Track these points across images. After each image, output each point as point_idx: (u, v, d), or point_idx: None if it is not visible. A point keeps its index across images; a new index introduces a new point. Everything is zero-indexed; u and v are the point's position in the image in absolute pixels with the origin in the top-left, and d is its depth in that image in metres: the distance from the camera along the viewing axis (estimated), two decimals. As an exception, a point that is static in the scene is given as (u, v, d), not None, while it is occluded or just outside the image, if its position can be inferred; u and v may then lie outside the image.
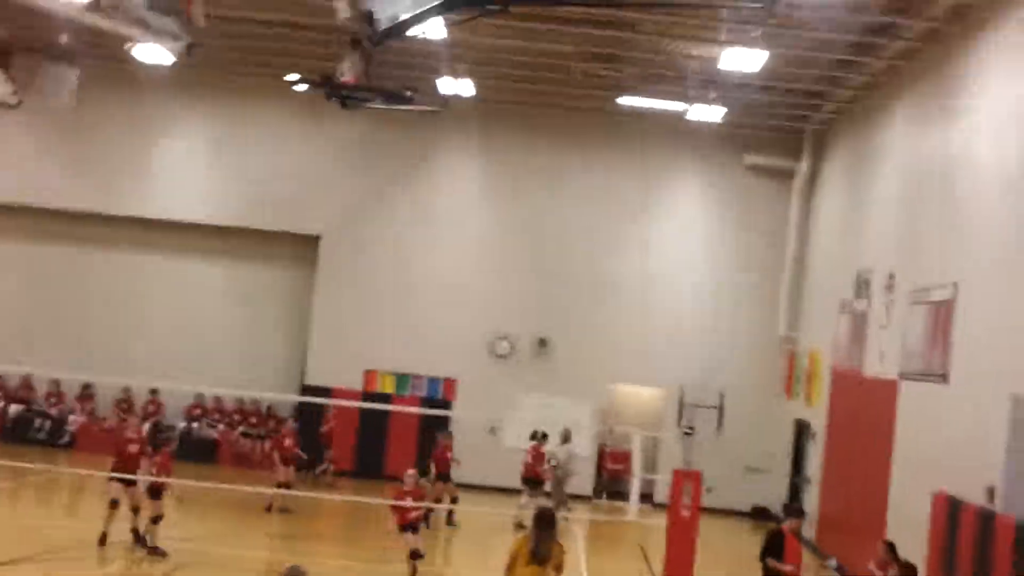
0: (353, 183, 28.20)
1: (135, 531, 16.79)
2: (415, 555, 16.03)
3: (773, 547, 13.43)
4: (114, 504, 16.53)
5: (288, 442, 21.93)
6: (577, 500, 25.10)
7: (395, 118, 26.79)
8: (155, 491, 16.73)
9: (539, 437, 23.36)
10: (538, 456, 22.99)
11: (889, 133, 21.42)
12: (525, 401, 27.28)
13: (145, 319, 28.63)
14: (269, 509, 21.37)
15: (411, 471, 16.65)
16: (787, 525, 13.55)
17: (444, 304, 27.80)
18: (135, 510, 16.71)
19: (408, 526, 16.07)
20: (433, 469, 21.50)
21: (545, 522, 11.58)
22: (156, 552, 16.48)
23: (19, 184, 28.01)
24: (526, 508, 22.12)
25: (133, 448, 16.88)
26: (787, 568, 13.24)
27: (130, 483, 16.64)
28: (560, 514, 22.59)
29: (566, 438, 23.93)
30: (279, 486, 21.43)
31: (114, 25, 20.41)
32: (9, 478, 22.63)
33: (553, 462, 23.54)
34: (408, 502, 16.09)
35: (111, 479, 16.72)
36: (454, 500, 21.77)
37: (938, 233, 17.64)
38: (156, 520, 16.68)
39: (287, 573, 8.33)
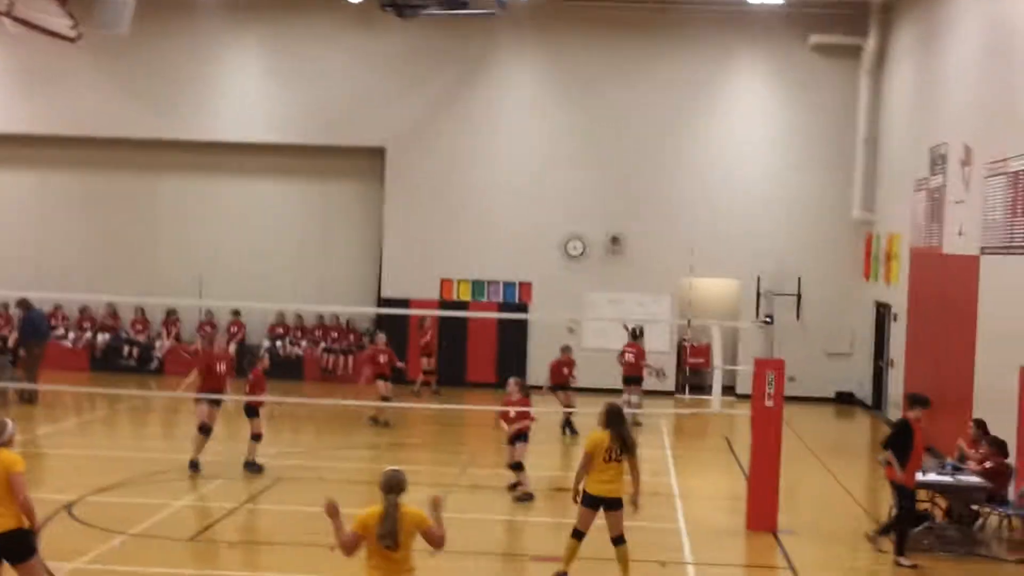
0: (413, 92, 28.11)
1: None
2: (516, 466, 15.87)
3: (899, 438, 13.34)
4: (203, 428, 16.69)
5: (382, 358, 22.00)
6: (660, 395, 25.23)
7: (451, 24, 26.71)
8: (251, 409, 17.07)
9: (638, 334, 23.19)
10: (640, 353, 22.89)
11: (959, 4, 20.83)
12: (597, 299, 27.41)
13: (217, 242, 29.01)
14: (375, 421, 21.62)
15: (513, 379, 16.12)
16: (912, 414, 13.45)
17: (514, 208, 27.82)
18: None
19: (514, 437, 15.81)
20: (549, 380, 21.40)
21: (618, 417, 11.73)
22: (253, 468, 16.90)
23: (83, 115, 28.44)
24: (635, 406, 22.46)
25: (221, 367, 16.97)
26: (899, 474, 13.16)
27: (218, 403, 16.89)
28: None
29: (637, 333, 23.50)
30: (384, 400, 21.63)
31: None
32: (103, 405, 23.33)
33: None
34: (512, 411, 15.68)
35: (198, 400, 16.82)
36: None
37: (1015, 100, 17.20)
38: (255, 438, 17.06)
39: (386, 476, 8.41)
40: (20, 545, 9.34)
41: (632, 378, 22.69)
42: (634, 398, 22.53)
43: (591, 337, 26.26)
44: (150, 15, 26.24)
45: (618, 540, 11.74)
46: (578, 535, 11.79)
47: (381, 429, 21.34)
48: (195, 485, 16.17)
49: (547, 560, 12.47)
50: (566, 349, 21.83)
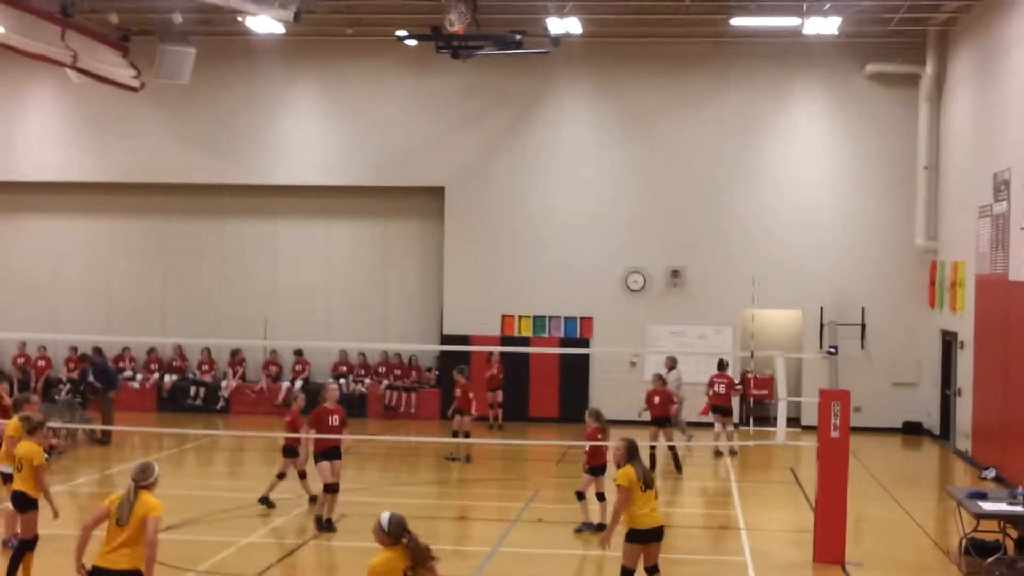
0: (471, 132, 28.35)
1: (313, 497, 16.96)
2: (579, 496, 15.90)
3: None
4: (329, 488, 15.83)
5: (458, 393, 21.90)
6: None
7: (506, 63, 26.97)
8: (290, 450, 17.10)
9: (724, 366, 23.42)
10: (729, 383, 22.97)
11: (1018, 26, 20.65)
12: (658, 332, 27.40)
13: (281, 283, 29.40)
14: (453, 458, 21.72)
15: (588, 410, 16.19)
16: None
17: (574, 244, 27.87)
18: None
19: (590, 469, 15.89)
20: (649, 414, 20.78)
21: (636, 451, 11.70)
22: (264, 503, 17.01)
23: (146, 163, 29.07)
24: (721, 437, 22.77)
25: (334, 420, 15.94)
26: None
27: (337, 457, 15.93)
28: (686, 440, 22.90)
29: (673, 365, 23.14)
30: (455, 435, 21.73)
31: (225, 0, 20.90)
32: (171, 445, 23.61)
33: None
34: (590, 443, 15.78)
35: (319, 462, 15.78)
36: (672, 448, 20.74)
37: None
38: (282, 477, 17.15)
39: (399, 519, 8.26)
40: None
41: (722, 408, 23.01)
42: (728, 427, 22.99)
43: (653, 370, 26.09)
44: (210, 64, 26.84)
45: (654, 569, 11.63)
46: (628, 574, 11.56)
47: (459, 464, 21.36)
48: (261, 523, 16.29)
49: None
50: (658, 379, 21.00)
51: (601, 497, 15.79)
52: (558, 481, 20.46)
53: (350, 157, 28.80)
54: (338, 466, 15.89)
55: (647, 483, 11.45)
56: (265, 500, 17.08)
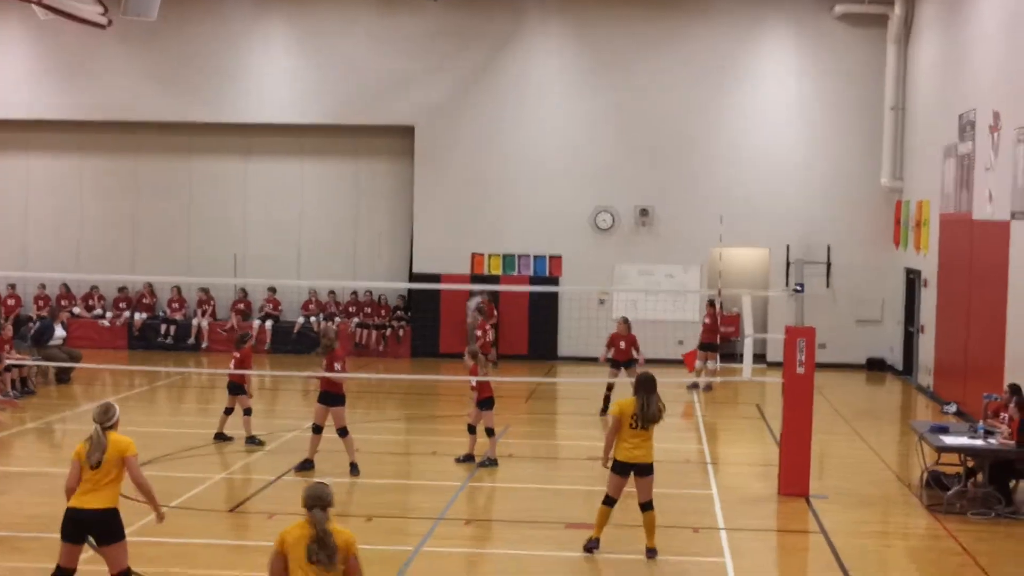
0: (441, 71, 28.24)
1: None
2: (470, 429, 16.35)
3: None
4: (316, 428, 15.80)
5: (479, 332, 22.37)
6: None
7: (477, 3, 27.04)
8: (236, 387, 17.39)
9: (716, 302, 23.88)
10: (725, 319, 23.86)
11: (987, -33, 20.75)
12: (627, 271, 27.63)
13: (251, 222, 29.36)
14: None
15: (468, 349, 16.85)
16: None
17: (543, 183, 27.95)
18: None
19: (479, 403, 16.17)
20: (612, 355, 20.22)
21: (647, 385, 11.80)
22: (252, 442, 17.26)
23: (115, 101, 28.85)
24: (713, 373, 23.22)
25: (340, 367, 15.62)
26: None
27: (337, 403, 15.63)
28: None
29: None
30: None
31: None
32: (142, 382, 23.67)
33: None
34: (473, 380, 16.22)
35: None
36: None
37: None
38: (246, 412, 17.35)
39: (309, 491, 7.77)
40: (111, 526, 9.32)
41: (709, 345, 23.71)
42: (709, 364, 23.55)
43: (621, 310, 26.30)
44: (177, 0, 26.53)
45: (646, 506, 11.87)
46: (609, 502, 11.92)
47: (429, 400, 21.64)
48: (233, 459, 16.45)
49: (581, 527, 12.65)
50: (620, 321, 20.47)
51: (490, 432, 16.11)
52: (528, 417, 20.74)
53: (320, 95, 28.66)
54: (320, 409, 15.64)
55: (640, 421, 11.62)
56: (249, 439, 17.27)
